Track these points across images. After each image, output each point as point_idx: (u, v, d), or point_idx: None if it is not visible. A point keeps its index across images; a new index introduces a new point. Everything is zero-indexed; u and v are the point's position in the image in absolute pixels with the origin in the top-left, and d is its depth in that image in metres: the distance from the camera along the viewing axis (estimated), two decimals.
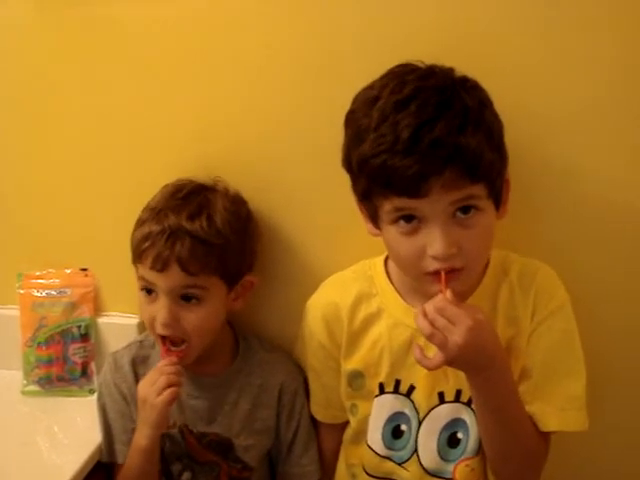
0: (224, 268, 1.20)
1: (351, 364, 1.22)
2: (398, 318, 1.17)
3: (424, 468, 1.19)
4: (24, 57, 1.39)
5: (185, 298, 1.19)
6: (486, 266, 1.16)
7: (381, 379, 1.19)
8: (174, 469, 1.32)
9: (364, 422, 1.23)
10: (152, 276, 1.18)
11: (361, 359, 1.21)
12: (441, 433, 1.17)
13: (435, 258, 1.01)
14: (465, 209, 1.01)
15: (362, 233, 1.28)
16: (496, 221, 1.08)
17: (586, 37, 1.15)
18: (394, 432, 1.20)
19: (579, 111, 1.19)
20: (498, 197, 1.06)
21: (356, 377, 1.22)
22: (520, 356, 1.13)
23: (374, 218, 1.10)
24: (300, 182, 1.33)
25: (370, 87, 1.06)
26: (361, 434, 1.25)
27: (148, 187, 1.27)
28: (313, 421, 1.35)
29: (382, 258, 1.23)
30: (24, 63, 1.39)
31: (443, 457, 1.18)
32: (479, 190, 1.01)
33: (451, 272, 1.02)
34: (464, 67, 1.07)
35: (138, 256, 1.20)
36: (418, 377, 1.17)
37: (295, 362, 1.35)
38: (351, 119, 1.07)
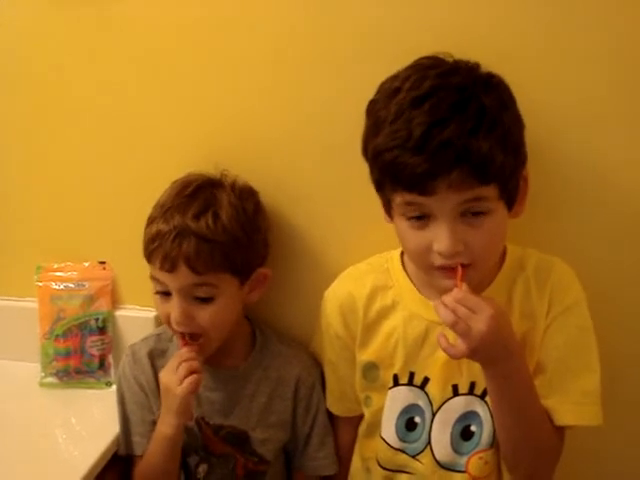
0: (233, 264, 1.20)
1: (365, 355, 1.22)
2: (413, 310, 1.18)
3: (437, 461, 1.19)
4: (39, 55, 1.40)
5: (197, 298, 1.20)
6: (502, 260, 1.16)
7: (395, 371, 1.20)
8: (190, 461, 1.33)
9: (378, 414, 1.23)
10: (162, 276, 1.19)
11: (375, 351, 1.21)
12: (454, 426, 1.18)
13: (440, 254, 1.03)
14: (475, 212, 1.02)
15: (375, 226, 1.29)
16: (509, 219, 1.08)
17: (609, 33, 1.14)
18: (408, 424, 1.20)
19: (598, 107, 1.18)
20: (511, 197, 1.06)
21: (370, 369, 1.22)
22: (535, 351, 1.13)
23: (387, 208, 1.12)
24: (314, 174, 1.34)
25: (395, 77, 1.06)
26: (375, 426, 1.25)
27: (164, 180, 1.28)
28: (330, 416, 1.35)
29: (399, 251, 1.23)
30: (40, 60, 1.41)
31: (456, 450, 1.18)
32: (489, 191, 1.00)
33: (462, 266, 1.03)
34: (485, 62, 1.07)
35: (148, 256, 1.21)
36: (432, 369, 1.17)
37: (312, 356, 1.35)
38: (372, 109, 1.08)
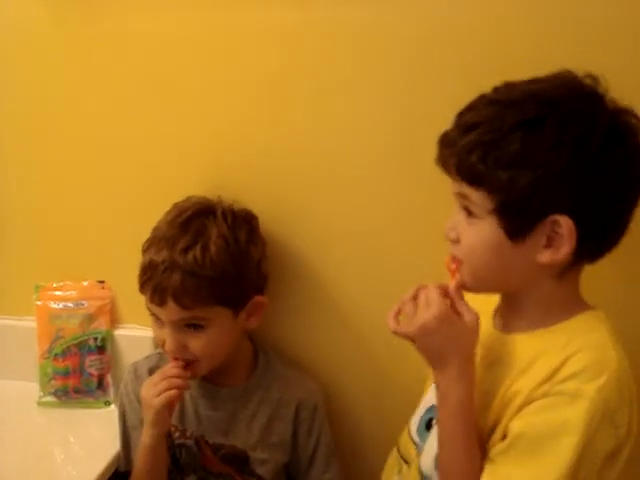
0: (222, 297, 1.20)
1: None
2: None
3: (421, 472, 1.13)
4: (40, 72, 1.41)
5: (189, 325, 1.20)
6: (561, 320, 1.02)
7: None
8: None
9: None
10: (153, 308, 1.21)
11: None
12: (423, 416, 1.16)
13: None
14: (469, 212, 1.01)
15: (376, 249, 1.31)
16: (511, 250, 1.00)
17: None
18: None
19: None
20: (514, 223, 0.98)
21: None
22: (509, 415, 0.99)
23: None
24: (315, 198, 1.34)
25: None
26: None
27: (164, 200, 1.29)
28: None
29: None
30: (41, 77, 1.41)
31: (437, 467, 1.11)
32: (479, 197, 0.98)
33: (455, 262, 1.04)
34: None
35: (140, 287, 1.22)
36: None
37: (314, 379, 1.35)
38: None
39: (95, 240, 1.48)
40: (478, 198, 0.98)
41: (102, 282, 1.49)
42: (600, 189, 0.95)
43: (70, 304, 1.48)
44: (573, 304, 1.04)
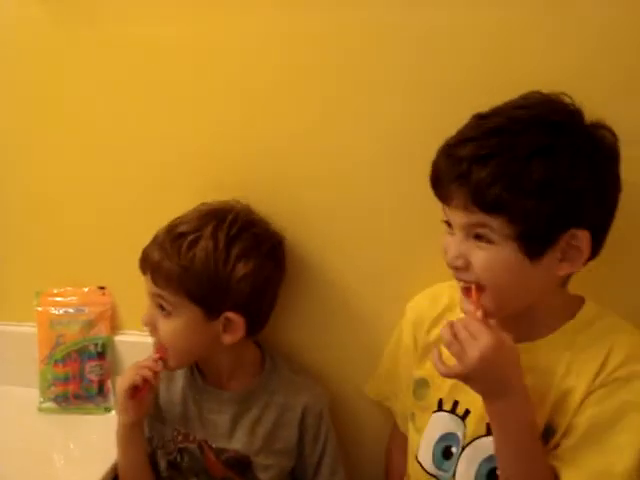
0: (192, 293, 1.20)
1: (420, 371, 1.22)
2: None
3: None
4: (39, 75, 1.40)
5: (161, 306, 1.23)
6: (572, 314, 1.10)
7: (442, 395, 1.18)
8: None
9: (420, 433, 1.21)
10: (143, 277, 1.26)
11: (430, 368, 1.17)
12: (481, 464, 1.14)
13: (447, 264, 1.06)
14: (483, 238, 1.02)
15: (384, 253, 1.31)
16: (532, 269, 1.02)
17: None
18: (445, 452, 1.18)
19: None
20: (535, 246, 1.01)
21: (422, 385, 1.22)
22: (570, 412, 1.06)
23: None
24: (328, 203, 1.34)
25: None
26: (412, 446, 1.24)
27: (166, 206, 1.28)
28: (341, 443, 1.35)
29: None
30: (40, 80, 1.41)
31: None
32: (496, 223, 0.99)
33: (476, 289, 1.04)
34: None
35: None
36: (475, 403, 1.13)
37: (320, 385, 1.36)
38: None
39: (96, 246, 1.48)
40: (497, 225, 1.00)
41: (103, 288, 1.50)
42: (606, 200, 1.04)
43: (70, 310, 1.48)
44: (575, 299, 1.12)
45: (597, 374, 1.04)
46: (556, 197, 0.98)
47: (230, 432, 1.31)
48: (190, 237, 1.21)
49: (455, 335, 1.01)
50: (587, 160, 1.00)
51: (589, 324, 1.09)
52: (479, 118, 1.05)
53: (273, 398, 1.31)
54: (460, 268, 1.04)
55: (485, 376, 1.00)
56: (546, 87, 1.05)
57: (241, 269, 1.22)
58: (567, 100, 1.05)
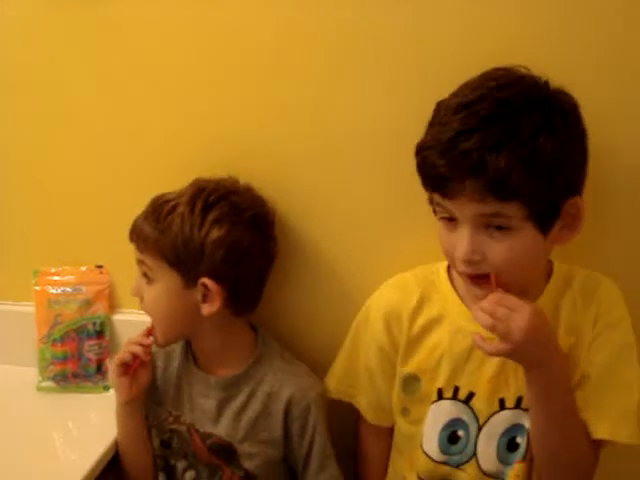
0: (167, 257, 1.21)
1: (408, 368, 1.21)
2: (460, 324, 1.16)
3: (483, 470, 1.18)
4: (37, 57, 1.40)
5: (144, 274, 1.25)
6: (549, 276, 1.16)
7: (440, 385, 1.18)
8: (179, 466, 1.33)
9: (417, 425, 1.21)
10: None
11: (418, 363, 1.19)
12: (500, 438, 1.16)
13: (458, 260, 1.05)
14: (498, 227, 1.02)
15: (384, 237, 1.31)
16: (550, 243, 1.07)
17: None
18: (450, 438, 1.18)
19: None
20: (545, 221, 1.03)
21: (411, 381, 1.21)
22: (579, 364, 1.12)
23: (433, 206, 1.12)
24: (329, 189, 1.33)
25: (468, 81, 1.07)
26: (411, 438, 1.23)
27: (164, 185, 1.27)
28: (337, 437, 1.31)
29: (445, 263, 1.21)
30: (38, 62, 1.41)
31: (502, 460, 1.17)
32: (511, 209, 1.00)
33: (484, 277, 1.05)
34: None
35: None
36: (479, 384, 1.15)
37: (312, 377, 1.31)
38: (436, 108, 1.08)
39: (93, 225, 1.47)
40: (512, 210, 1.00)
41: (100, 267, 1.49)
42: (588, 163, 1.08)
43: (68, 289, 1.48)
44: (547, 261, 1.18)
45: (593, 326, 1.13)
46: (563, 170, 1.00)
47: (216, 418, 1.29)
48: (171, 203, 1.22)
49: (492, 315, 1.01)
50: (576, 128, 1.04)
51: (567, 283, 1.16)
52: (463, 107, 1.01)
53: (259, 387, 1.28)
54: (478, 262, 1.03)
55: (533, 344, 1.01)
56: None
57: (215, 233, 1.21)
58: (526, 71, 1.06)
